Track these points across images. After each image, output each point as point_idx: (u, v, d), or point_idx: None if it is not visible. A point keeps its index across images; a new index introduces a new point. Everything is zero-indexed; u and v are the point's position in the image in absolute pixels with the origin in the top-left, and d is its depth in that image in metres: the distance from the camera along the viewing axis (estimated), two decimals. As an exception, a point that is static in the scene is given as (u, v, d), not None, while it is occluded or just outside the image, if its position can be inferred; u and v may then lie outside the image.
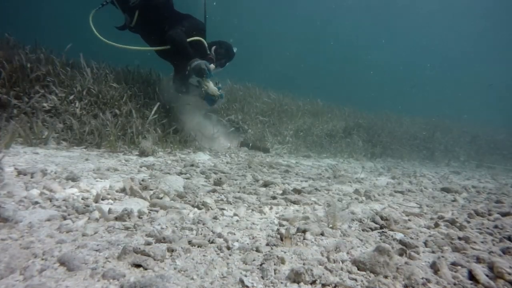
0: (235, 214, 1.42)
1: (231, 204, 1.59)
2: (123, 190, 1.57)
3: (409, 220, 1.49)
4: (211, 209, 1.47)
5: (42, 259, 0.87)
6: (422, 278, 0.88)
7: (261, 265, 0.92)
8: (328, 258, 0.98)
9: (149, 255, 0.91)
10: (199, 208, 1.47)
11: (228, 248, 1.04)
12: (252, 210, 1.52)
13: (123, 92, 3.38)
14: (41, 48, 3.69)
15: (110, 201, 1.43)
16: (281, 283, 0.84)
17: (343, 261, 0.97)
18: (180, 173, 2.21)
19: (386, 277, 0.88)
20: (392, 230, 1.31)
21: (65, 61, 3.64)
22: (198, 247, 1.03)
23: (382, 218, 1.41)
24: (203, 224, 1.24)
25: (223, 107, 4.81)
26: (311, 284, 0.84)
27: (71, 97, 3.03)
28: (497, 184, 3.47)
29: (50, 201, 1.31)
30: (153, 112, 3.23)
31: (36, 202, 1.26)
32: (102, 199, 1.43)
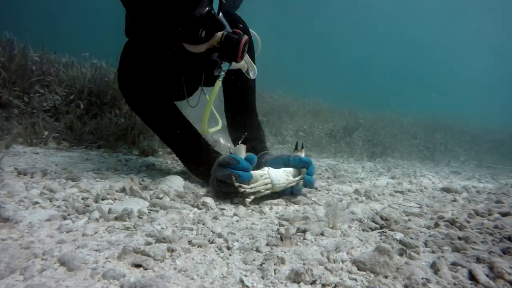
0: (235, 214, 1.42)
1: (231, 204, 1.59)
2: (123, 190, 1.57)
3: (409, 220, 1.49)
4: (211, 209, 1.47)
5: (42, 259, 0.87)
6: (422, 278, 0.88)
7: (261, 265, 0.92)
8: (328, 258, 0.98)
9: (149, 255, 0.91)
10: (199, 208, 1.47)
11: (228, 248, 1.04)
12: (252, 210, 1.52)
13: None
14: (42, 48, 3.69)
15: (110, 201, 1.43)
16: (281, 283, 0.84)
17: (343, 261, 0.97)
18: (180, 173, 2.21)
19: (386, 277, 0.88)
20: (392, 230, 1.31)
21: (65, 61, 3.64)
22: (198, 247, 1.03)
23: (382, 218, 1.40)
24: (203, 224, 1.24)
25: None
26: (311, 284, 0.84)
27: (71, 97, 3.03)
28: (497, 184, 3.47)
29: (50, 201, 1.31)
30: None
31: (36, 202, 1.26)
32: (102, 199, 1.43)
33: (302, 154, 1.59)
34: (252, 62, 1.77)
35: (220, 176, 1.48)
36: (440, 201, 2.09)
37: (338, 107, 7.46)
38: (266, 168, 1.50)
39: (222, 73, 1.66)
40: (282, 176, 1.49)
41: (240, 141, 1.52)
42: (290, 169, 1.56)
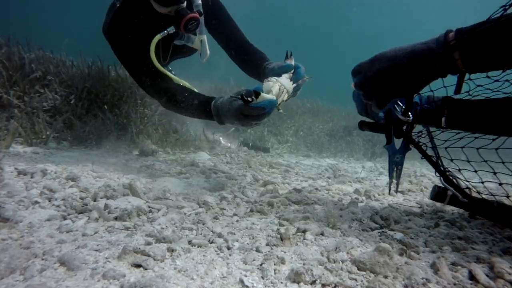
0: (235, 214, 1.42)
1: (231, 204, 1.59)
2: (123, 190, 1.57)
3: (409, 220, 1.49)
4: (212, 208, 1.47)
5: (42, 259, 0.87)
6: (422, 278, 0.88)
7: (261, 265, 0.92)
8: (328, 258, 0.98)
9: (149, 255, 0.91)
10: (200, 208, 1.47)
11: (228, 248, 1.04)
12: (252, 210, 1.52)
13: (122, 91, 3.38)
14: (40, 47, 3.69)
15: (110, 200, 1.43)
16: (281, 283, 0.84)
17: (343, 261, 0.97)
18: (180, 173, 2.21)
19: (386, 277, 0.88)
20: (392, 230, 1.31)
21: (64, 59, 3.63)
22: (198, 247, 1.03)
23: (382, 218, 1.41)
24: (203, 224, 1.24)
25: None
26: (311, 284, 0.84)
27: (71, 97, 3.02)
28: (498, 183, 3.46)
29: (50, 201, 1.31)
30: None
31: (36, 202, 1.26)
32: (102, 199, 1.43)
33: (292, 61, 1.85)
34: (207, 47, 2.17)
35: (247, 111, 1.59)
36: (440, 201, 2.09)
37: (337, 107, 7.45)
38: (273, 79, 1.70)
39: (165, 31, 1.94)
40: (287, 81, 1.75)
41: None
42: (286, 74, 1.82)
